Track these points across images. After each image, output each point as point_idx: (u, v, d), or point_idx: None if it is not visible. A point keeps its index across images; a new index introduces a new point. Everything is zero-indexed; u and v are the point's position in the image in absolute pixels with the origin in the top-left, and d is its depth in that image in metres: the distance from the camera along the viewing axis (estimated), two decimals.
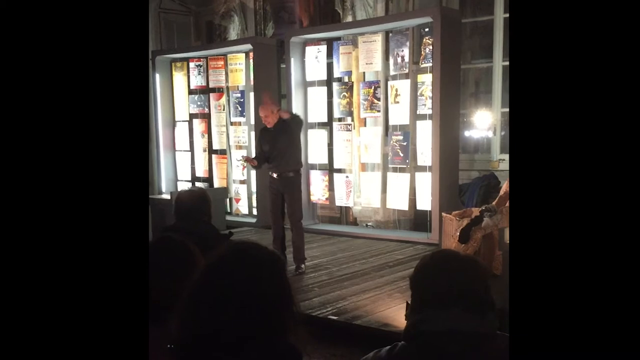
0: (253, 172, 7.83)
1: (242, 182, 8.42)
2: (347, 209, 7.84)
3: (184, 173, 9.04)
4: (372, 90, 7.27)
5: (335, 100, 7.57)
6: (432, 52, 6.57)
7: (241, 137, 8.33)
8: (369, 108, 7.29)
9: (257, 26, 9.16)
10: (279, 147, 5.43)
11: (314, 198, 7.72)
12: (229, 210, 8.47)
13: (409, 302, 1.58)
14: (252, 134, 7.81)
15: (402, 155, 7.00)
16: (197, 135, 8.86)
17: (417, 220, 7.27)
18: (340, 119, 7.63)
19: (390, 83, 7.11)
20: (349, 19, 8.03)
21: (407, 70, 6.97)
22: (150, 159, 9.28)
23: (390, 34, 7.11)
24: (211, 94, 8.63)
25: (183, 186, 8.90)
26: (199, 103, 8.79)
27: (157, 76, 8.99)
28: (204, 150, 8.78)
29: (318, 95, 7.69)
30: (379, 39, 7.18)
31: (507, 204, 4.99)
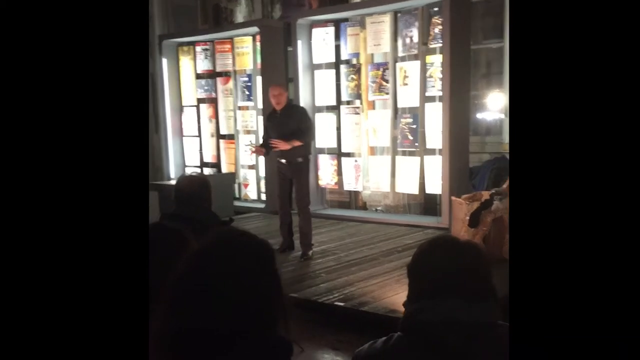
0: (261, 158, 7.76)
1: (250, 167, 8.36)
2: (357, 193, 7.76)
3: (192, 158, 8.99)
4: (380, 72, 7.14)
5: (343, 82, 7.45)
6: (442, 33, 6.42)
7: (249, 121, 8.25)
8: (377, 90, 7.17)
9: (263, 8, 9.05)
10: (286, 132, 5.35)
11: (322, 183, 7.64)
12: (237, 196, 8.42)
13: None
14: (260, 118, 7.72)
15: (411, 138, 6.89)
16: (204, 120, 8.79)
17: (427, 204, 7.18)
18: (348, 102, 7.53)
19: (398, 65, 6.98)
20: (357, 0, 7.89)
21: (415, 51, 6.84)
22: (159, 145, 9.25)
23: (399, 15, 6.96)
24: (218, 78, 8.55)
25: (191, 171, 8.87)
26: (206, 87, 8.71)
27: (164, 61, 8.91)
28: (212, 135, 8.73)
29: (326, 78, 7.57)
30: (387, 19, 7.04)
31: None
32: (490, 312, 1.43)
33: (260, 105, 7.87)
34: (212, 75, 8.63)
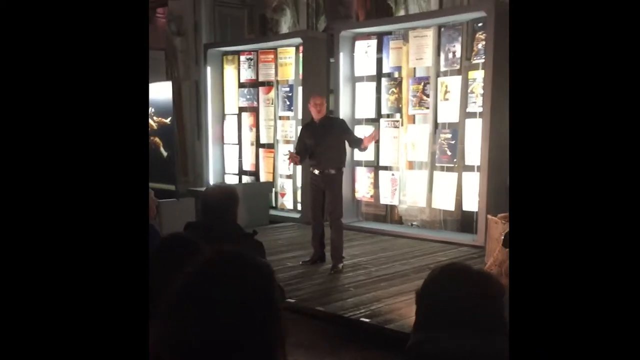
0: (299, 168, 7.79)
1: (288, 176, 8.41)
2: (393, 207, 7.70)
3: (232, 166, 9.11)
4: (421, 87, 7.09)
5: (384, 95, 7.43)
6: (485, 48, 6.33)
7: (288, 131, 8.32)
8: (417, 105, 7.12)
9: (308, 20, 9.11)
10: (323, 143, 5.38)
11: (358, 195, 7.62)
12: (274, 205, 8.48)
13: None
14: (299, 128, 7.77)
15: (449, 153, 6.80)
16: (245, 129, 8.91)
17: (464, 221, 7.06)
18: (388, 115, 7.50)
19: (440, 79, 6.92)
20: (402, 13, 7.86)
21: (458, 66, 6.77)
22: (200, 152, 9.41)
23: (442, 29, 6.91)
24: (260, 88, 8.66)
25: (231, 179, 8.99)
26: (248, 96, 8.83)
27: (209, 69, 9.08)
28: (252, 144, 8.83)
29: (366, 90, 7.57)
30: (430, 33, 6.99)
31: None
32: (501, 346, 1.35)
33: (300, 116, 7.92)
34: (254, 84, 8.74)
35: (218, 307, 1.20)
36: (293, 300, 4.50)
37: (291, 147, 8.03)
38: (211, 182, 9.06)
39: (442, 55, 6.90)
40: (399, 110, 7.35)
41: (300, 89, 8.01)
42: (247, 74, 8.80)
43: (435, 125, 7.04)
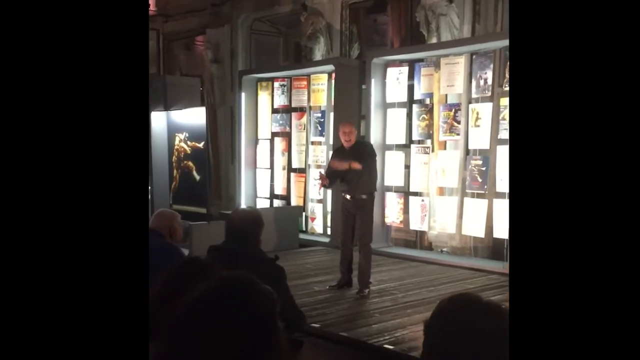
0: (329, 192, 7.85)
1: (319, 201, 8.47)
2: (423, 233, 7.67)
3: (264, 190, 9.24)
4: (452, 113, 7.10)
5: (415, 122, 7.46)
6: None
7: (320, 156, 8.41)
8: (448, 131, 7.12)
9: (342, 47, 9.24)
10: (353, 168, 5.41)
11: (388, 220, 7.62)
12: (304, 229, 8.54)
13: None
14: (330, 153, 7.85)
15: (480, 180, 6.77)
16: (277, 153, 9.04)
17: (495, 248, 6.97)
18: (419, 141, 7.52)
19: (471, 106, 6.92)
20: (434, 40, 7.91)
21: (489, 93, 6.76)
22: (233, 175, 9.58)
23: (474, 56, 6.93)
24: (293, 113, 8.80)
25: (262, 203, 9.10)
26: (281, 122, 8.98)
27: (243, 95, 9.28)
28: (284, 168, 8.94)
29: (397, 116, 7.62)
30: (462, 60, 7.02)
31: None
32: None
33: (331, 141, 8.00)
34: (287, 110, 8.89)
35: (217, 333, 1.22)
36: (318, 325, 4.51)
37: (322, 172, 8.14)
38: (243, 205, 9.19)
39: (474, 82, 6.91)
40: (429, 136, 7.36)
41: (332, 114, 8.11)
42: (280, 100, 8.97)
43: (466, 151, 7.02)
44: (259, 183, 9.33)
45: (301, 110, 8.72)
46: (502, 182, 6.51)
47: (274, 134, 9.11)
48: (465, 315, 1.39)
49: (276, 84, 9.03)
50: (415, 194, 7.46)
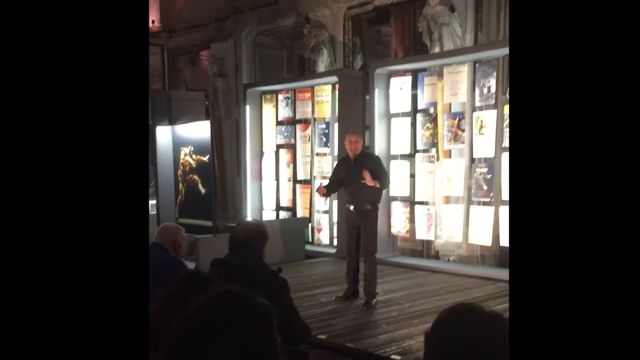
0: (335, 203, 7.86)
1: (325, 212, 8.48)
2: (429, 242, 7.65)
3: (269, 202, 9.25)
4: (456, 122, 7.11)
5: (419, 131, 7.48)
6: None
7: (325, 167, 8.42)
8: (453, 139, 7.12)
9: (345, 59, 9.28)
10: (358, 179, 5.42)
11: (394, 230, 7.61)
12: (310, 240, 8.54)
13: None
14: (335, 164, 7.86)
15: (486, 188, 6.75)
16: (282, 165, 9.07)
17: (503, 256, 6.94)
18: (424, 151, 7.52)
19: (475, 114, 6.92)
20: (437, 50, 7.93)
21: (493, 101, 6.77)
22: (239, 188, 9.61)
23: (477, 65, 6.94)
24: (297, 125, 8.83)
25: (268, 215, 9.12)
26: (285, 134, 9.01)
27: (248, 108, 9.33)
28: (289, 180, 8.97)
29: (401, 126, 7.63)
30: (465, 69, 7.03)
31: None
32: None
33: (336, 152, 8.02)
34: (292, 122, 8.93)
35: (213, 347, 1.22)
36: (324, 336, 4.50)
37: (326, 183, 8.15)
38: (249, 217, 9.21)
39: (477, 91, 6.92)
40: (434, 145, 7.37)
41: (336, 125, 8.13)
42: (284, 112, 9.01)
43: (471, 159, 7.02)
44: (264, 195, 9.35)
45: (305, 121, 8.75)
46: (508, 190, 6.50)
47: (279, 146, 9.14)
48: (466, 325, 1.38)
49: (280, 97, 9.08)
50: (421, 203, 7.45)
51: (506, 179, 6.52)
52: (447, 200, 7.29)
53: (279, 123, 9.12)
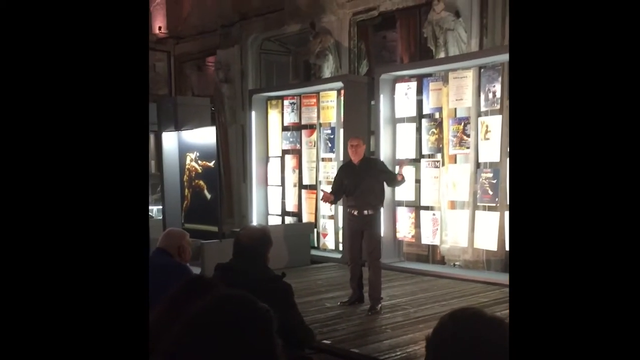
0: (340, 208, 7.86)
1: (330, 217, 8.48)
2: (435, 247, 7.64)
3: (275, 207, 9.27)
4: (461, 127, 7.11)
5: (424, 136, 7.48)
6: None
7: (330, 172, 8.42)
8: (458, 144, 7.12)
9: (350, 64, 9.31)
10: (361, 184, 5.43)
11: (399, 235, 7.60)
12: (315, 245, 8.55)
13: None
14: (337, 170, 7.88)
15: (491, 193, 6.75)
16: (288, 171, 9.09)
17: (508, 261, 6.92)
18: (429, 156, 7.52)
19: (480, 119, 6.92)
20: (442, 55, 7.94)
21: (498, 106, 6.76)
22: (245, 193, 9.63)
23: (482, 70, 6.95)
24: (303, 131, 8.86)
25: (274, 220, 9.13)
26: (291, 139, 9.04)
27: (253, 113, 9.36)
28: (295, 185, 8.98)
29: (407, 131, 7.64)
30: (470, 74, 7.04)
31: None
32: None
33: (341, 157, 8.03)
34: (297, 127, 8.96)
35: (212, 352, 1.24)
36: (329, 342, 4.50)
37: (327, 188, 8.16)
38: (254, 223, 9.22)
39: (482, 96, 6.92)
40: (439, 150, 7.37)
41: (342, 131, 8.15)
42: (290, 118, 9.04)
43: (477, 164, 7.01)
44: (270, 200, 9.37)
45: (311, 127, 8.78)
46: None
47: (284, 152, 9.17)
48: (467, 329, 1.37)
49: (286, 102, 9.11)
50: (427, 208, 7.45)
51: None
52: (453, 205, 7.29)
53: (284, 128, 9.15)
